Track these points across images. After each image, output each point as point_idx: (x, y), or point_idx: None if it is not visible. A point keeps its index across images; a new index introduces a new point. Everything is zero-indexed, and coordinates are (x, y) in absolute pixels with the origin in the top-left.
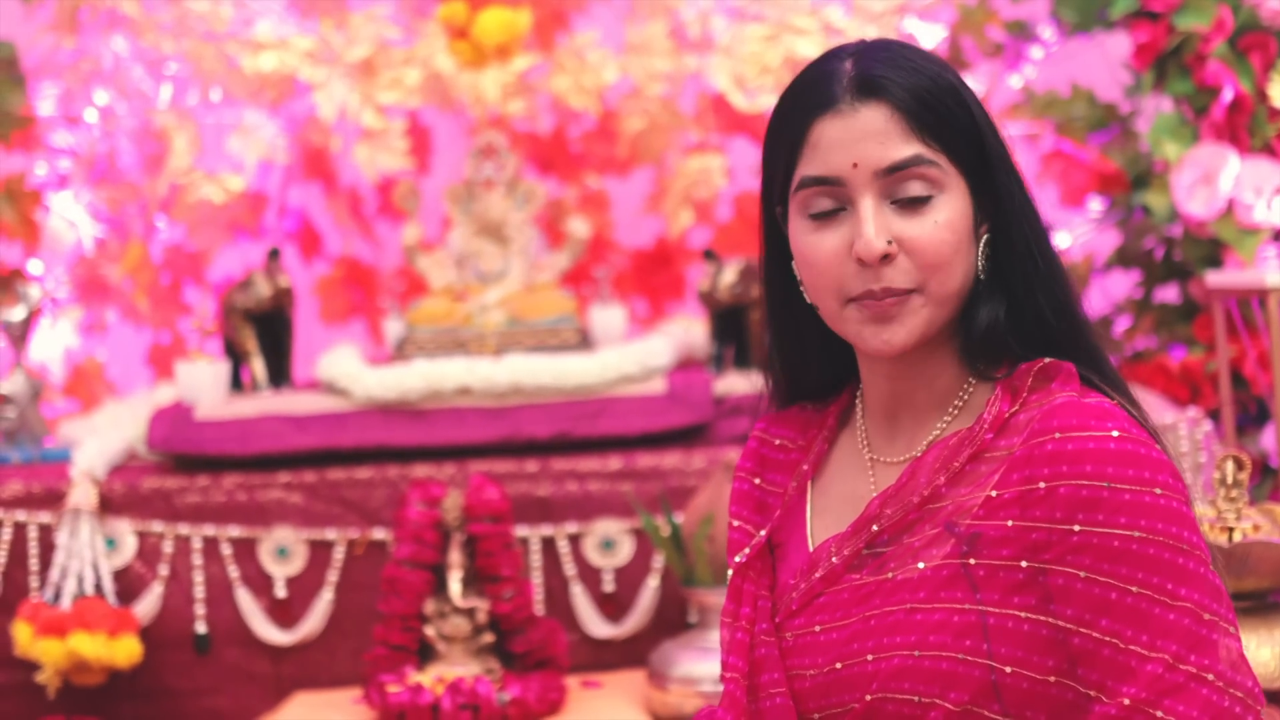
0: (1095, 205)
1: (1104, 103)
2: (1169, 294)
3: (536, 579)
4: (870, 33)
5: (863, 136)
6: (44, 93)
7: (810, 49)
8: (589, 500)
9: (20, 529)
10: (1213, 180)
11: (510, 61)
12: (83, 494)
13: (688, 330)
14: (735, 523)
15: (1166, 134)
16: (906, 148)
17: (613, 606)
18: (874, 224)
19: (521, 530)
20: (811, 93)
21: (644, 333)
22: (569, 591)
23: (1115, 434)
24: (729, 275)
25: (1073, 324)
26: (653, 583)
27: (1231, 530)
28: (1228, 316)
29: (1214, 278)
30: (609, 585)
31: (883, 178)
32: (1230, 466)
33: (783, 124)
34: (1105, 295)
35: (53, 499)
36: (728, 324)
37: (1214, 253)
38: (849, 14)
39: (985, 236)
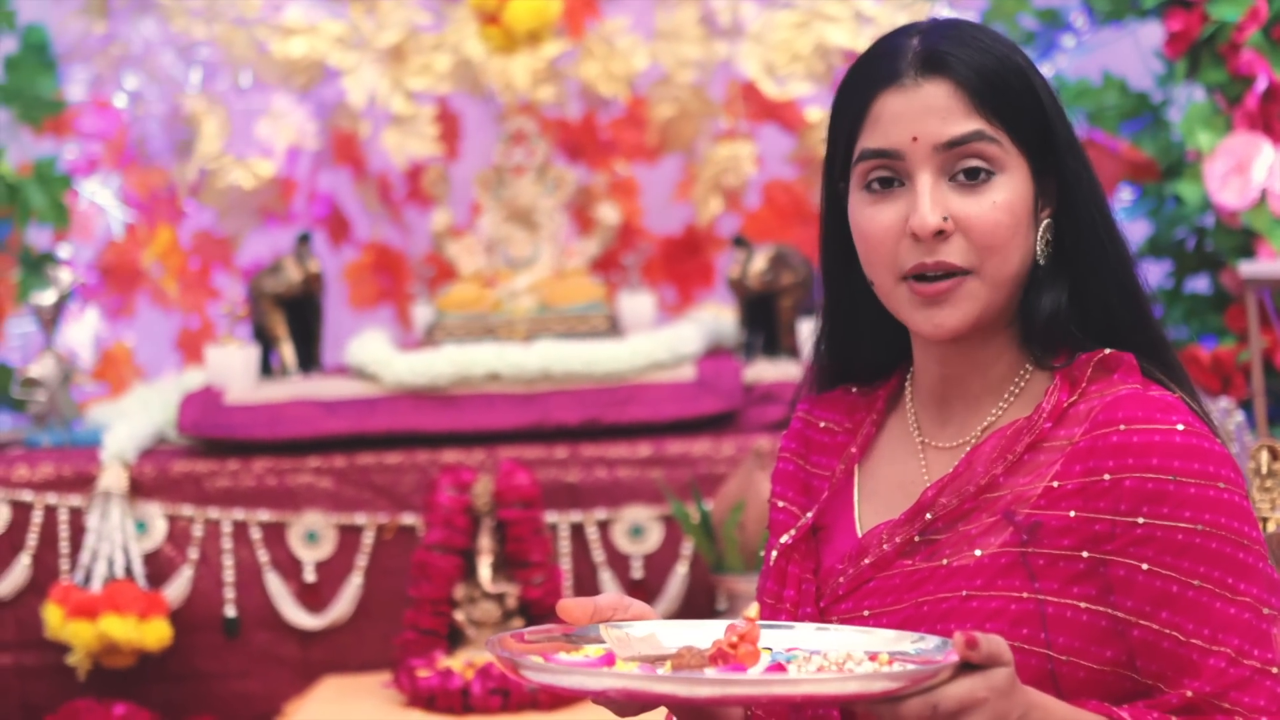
0: (1127, 195)
1: (1136, 92)
2: (1200, 284)
3: (565, 565)
4: (901, 20)
5: (924, 111)
6: (74, 77)
7: (841, 36)
8: (618, 487)
9: (51, 512)
10: (1246, 170)
11: (540, 48)
12: (113, 477)
13: (716, 318)
14: (780, 503)
15: (1199, 123)
16: (967, 123)
17: (641, 593)
18: (930, 199)
19: (550, 516)
20: (876, 67)
21: (672, 320)
22: (597, 578)
23: (1180, 427)
24: (759, 262)
25: (1140, 311)
26: (681, 570)
27: (1266, 520)
28: (1260, 307)
29: (1246, 268)
30: (638, 572)
31: (942, 153)
32: (1265, 456)
33: (846, 97)
34: None
35: (83, 482)
36: (758, 311)
37: (1246, 243)
38: (880, 1)
39: (1046, 221)
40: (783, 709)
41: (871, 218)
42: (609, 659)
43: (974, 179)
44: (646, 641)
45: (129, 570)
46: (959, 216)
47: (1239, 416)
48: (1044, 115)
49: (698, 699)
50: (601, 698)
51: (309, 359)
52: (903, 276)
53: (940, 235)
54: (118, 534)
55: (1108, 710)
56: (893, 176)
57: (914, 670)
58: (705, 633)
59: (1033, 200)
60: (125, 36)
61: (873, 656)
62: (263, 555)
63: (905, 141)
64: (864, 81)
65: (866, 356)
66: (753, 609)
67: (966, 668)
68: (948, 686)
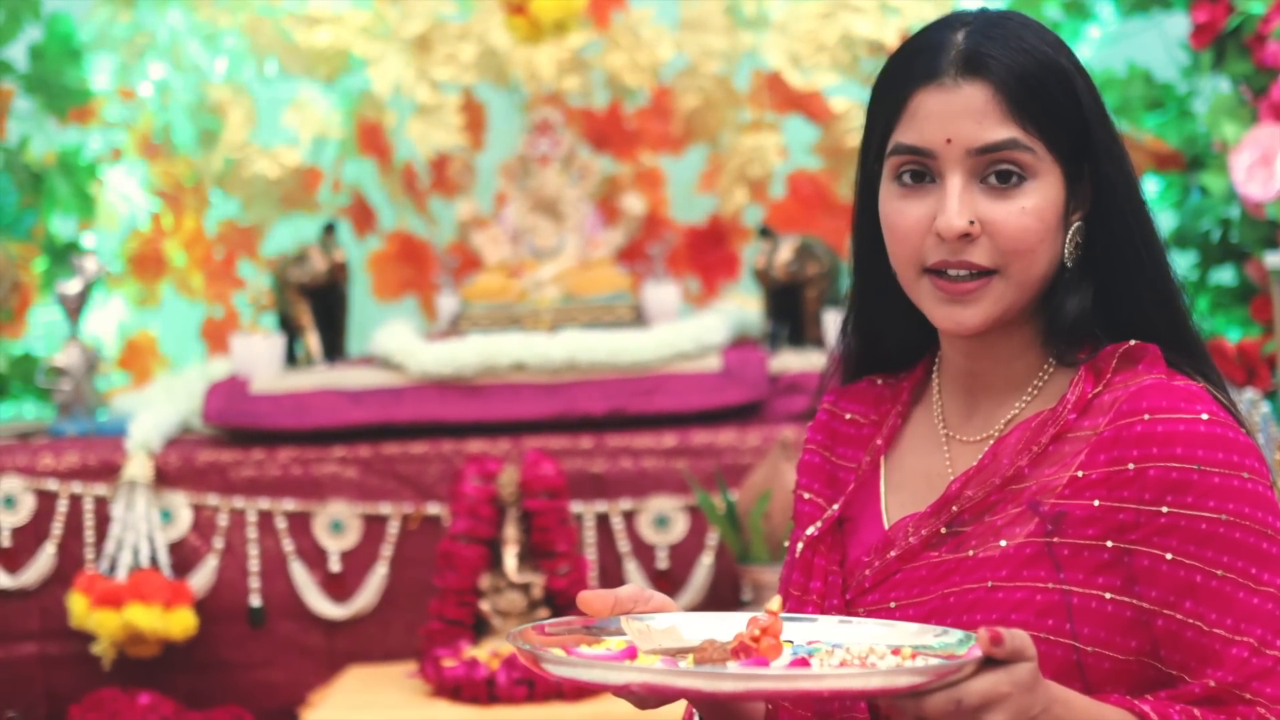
0: (1152, 186)
1: (1161, 83)
2: (1225, 275)
3: (590, 555)
4: (926, 11)
5: (960, 113)
6: (100, 66)
7: (867, 27)
8: (643, 477)
9: (76, 501)
10: (1271, 162)
11: (566, 38)
12: (138, 467)
13: (741, 308)
14: (805, 495)
15: (1224, 115)
16: (1002, 130)
17: (666, 583)
18: (958, 201)
19: (576, 506)
20: (918, 60)
21: (697, 310)
22: (623, 568)
23: (1205, 417)
24: (784, 253)
25: (1174, 316)
26: (706, 560)
27: None
28: None
29: (1272, 259)
30: (663, 562)
31: (974, 157)
32: None
33: (886, 87)
34: None
35: (108, 471)
36: (783, 302)
37: (1271, 234)
38: None
39: (1077, 224)
40: (807, 703)
41: (900, 211)
42: (631, 652)
43: (1005, 182)
44: (667, 634)
45: (154, 559)
46: (986, 220)
47: (1264, 408)
48: (1083, 120)
49: (721, 693)
50: (623, 691)
51: (334, 348)
52: (925, 269)
53: (966, 238)
54: (143, 523)
55: (1130, 704)
56: (924, 171)
57: (938, 665)
58: (727, 625)
59: (1063, 205)
60: (150, 26)
61: (895, 650)
62: (288, 545)
63: (939, 142)
64: (904, 74)
65: (895, 335)
66: (775, 602)
67: (990, 662)
68: (971, 681)
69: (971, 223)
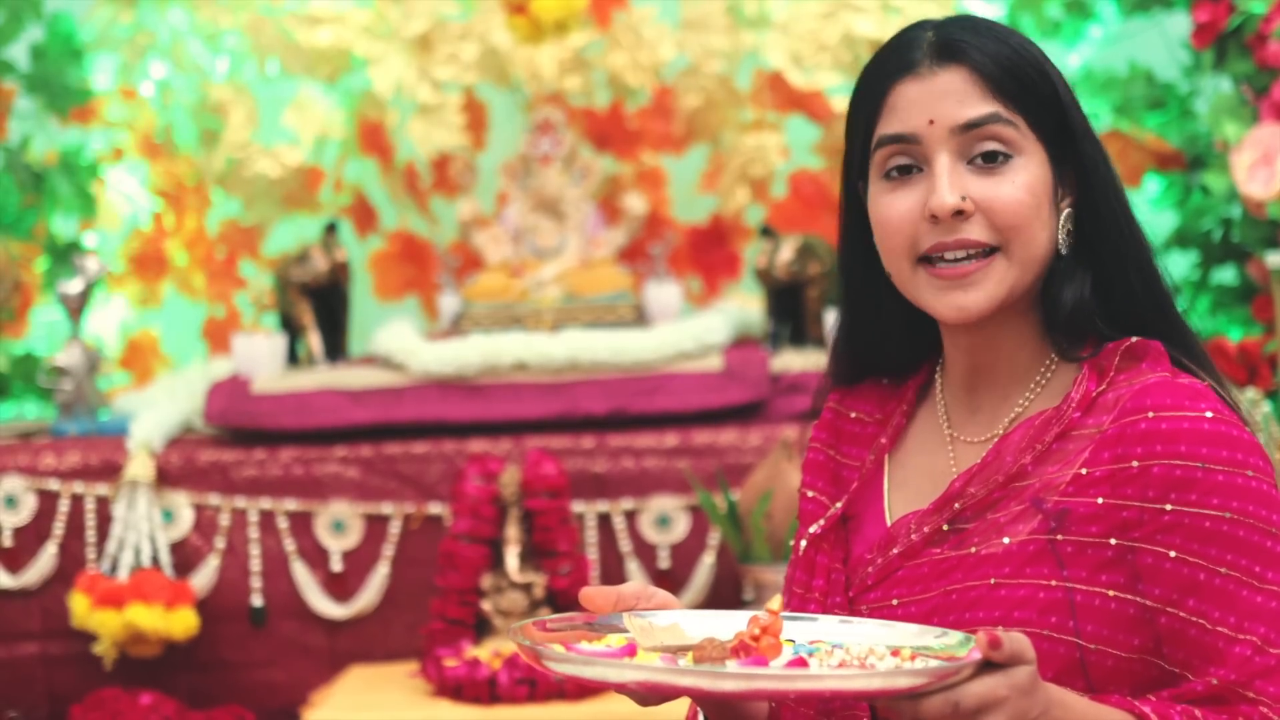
0: (1153, 186)
1: (1162, 82)
2: (1227, 275)
3: (592, 555)
4: (928, 10)
5: (941, 96)
6: (101, 66)
7: (868, 26)
8: (645, 476)
9: (78, 501)
10: (1272, 161)
11: (567, 37)
12: (140, 466)
13: (742, 308)
14: (809, 493)
15: (1226, 114)
16: (984, 106)
17: (668, 583)
18: (948, 180)
19: (577, 506)
20: (892, 58)
21: (698, 310)
22: (624, 567)
23: (1209, 415)
24: (786, 252)
25: (1161, 299)
26: (708, 559)
27: None
28: None
29: (1273, 258)
30: (664, 562)
31: (959, 135)
32: None
33: (863, 89)
34: None
35: (110, 471)
36: (784, 301)
37: (1272, 234)
38: None
39: (1067, 211)
40: (810, 702)
41: (890, 204)
42: (630, 649)
43: (992, 162)
44: (670, 631)
45: (155, 559)
46: (979, 198)
47: (1266, 407)
48: (1060, 105)
49: (719, 692)
50: (622, 688)
51: (336, 348)
52: (920, 258)
53: (960, 215)
54: (144, 523)
55: (1130, 705)
56: (911, 163)
57: (936, 667)
58: (729, 623)
59: (1052, 186)
60: (152, 25)
61: (895, 651)
62: (289, 544)
63: (922, 125)
64: (880, 74)
65: (891, 353)
66: (775, 601)
67: (989, 665)
68: (969, 684)
69: (963, 199)
